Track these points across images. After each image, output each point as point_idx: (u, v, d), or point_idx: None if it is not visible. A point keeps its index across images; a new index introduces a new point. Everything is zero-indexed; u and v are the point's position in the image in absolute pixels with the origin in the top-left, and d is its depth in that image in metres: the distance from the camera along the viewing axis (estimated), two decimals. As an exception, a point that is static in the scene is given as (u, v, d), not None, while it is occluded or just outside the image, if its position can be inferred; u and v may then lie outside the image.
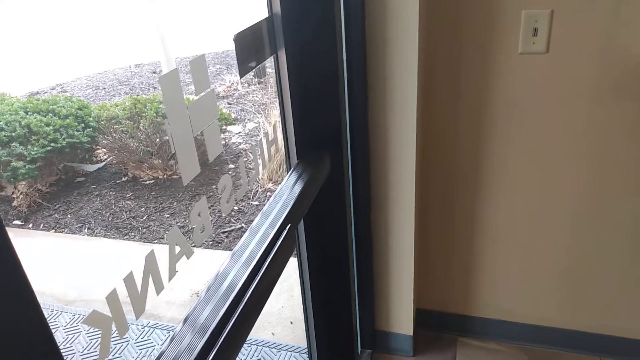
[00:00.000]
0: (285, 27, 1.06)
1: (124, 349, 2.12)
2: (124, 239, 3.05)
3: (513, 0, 1.30)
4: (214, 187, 3.66)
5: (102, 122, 3.66)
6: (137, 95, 4.61)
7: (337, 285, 1.47)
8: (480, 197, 1.60)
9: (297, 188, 1.07)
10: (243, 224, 3.20)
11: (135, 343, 2.13)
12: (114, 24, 10.12)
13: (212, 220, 3.26)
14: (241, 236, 3.21)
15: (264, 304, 0.82)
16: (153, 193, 3.53)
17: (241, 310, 0.74)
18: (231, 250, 2.99)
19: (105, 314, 0.59)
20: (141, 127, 3.52)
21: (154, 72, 6.71)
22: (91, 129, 3.74)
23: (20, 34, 9.66)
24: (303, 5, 1.07)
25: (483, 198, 1.60)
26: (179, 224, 3.19)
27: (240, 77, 0.94)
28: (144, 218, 3.25)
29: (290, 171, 1.15)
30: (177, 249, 0.75)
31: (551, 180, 1.51)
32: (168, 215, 3.27)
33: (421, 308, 1.87)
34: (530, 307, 1.74)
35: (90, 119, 3.75)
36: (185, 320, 0.72)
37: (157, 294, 0.69)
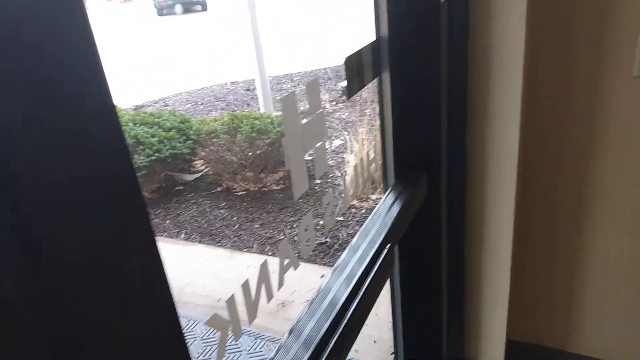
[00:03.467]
0: (391, 50, 1.09)
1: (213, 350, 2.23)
2: (217, 246, 3.22)
3: (628, 22, 1.23)
4: (300, 200, 3.76)
5: (202, 135, 3.90)
6: (233, 111, 4.88)
7: (427, 308, 1.45)
8: (584, 228, 1.50)
9: (396, 207, 1.08)
10: (327, 239, 3.25)
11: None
12: (213, 43, 10.80)
13: (297, 234, 3.34)
14: (326, 250, 3.25)
15: (365, 321, 0.83)
16: (244, 204, 3.69)
17: (344, 326, 0.75)
18: (316, 263, 3.04)
19: (224, 317, 0.64)
20: (236, 141, 3.72)
21: (248, 90, 7.06)
22: (191, 142, 4.00)
23: (127, 50, 10.61)
24: (409, 30, 1.09)
25: (588, 229, 1.50)
26: (267, 234, 3.30)
27: (348, 98, 0.98)
28: (236, 227, 3.41)
29: (389, 190, 1.17)
30: (286, 260, 0.79)
31: (670, 213, 1.39)
32: (258, 226, 3.40)
33: (514, 339, 1.78)
34: (636, 350, 1.60)
35: (191, 132, 4.03)
36: (291, 331, 0.75)
37: (268, 301, 0.73)
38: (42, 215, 0.29)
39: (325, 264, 2.97)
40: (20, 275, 0.29)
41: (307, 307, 0.81)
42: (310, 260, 3.03)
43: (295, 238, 3.21)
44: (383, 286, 0.92)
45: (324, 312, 0.78)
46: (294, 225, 3.42)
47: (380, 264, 0.89)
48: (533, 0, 1.24)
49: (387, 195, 1.14)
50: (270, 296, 0.74)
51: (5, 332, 0.29)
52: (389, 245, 0.95)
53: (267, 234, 3.31)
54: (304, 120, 0.81)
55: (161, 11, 17.92)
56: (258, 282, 0.71)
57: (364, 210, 3.47)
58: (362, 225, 1.03)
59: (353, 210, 3.51)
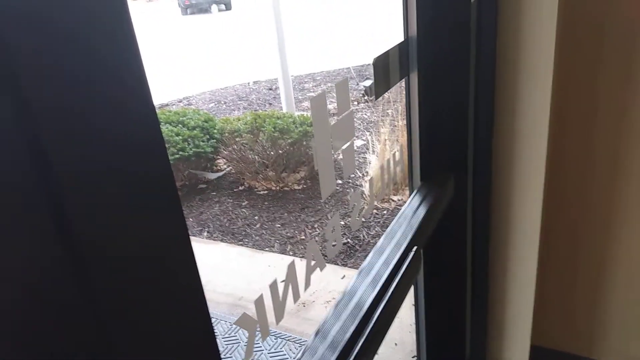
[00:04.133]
0: (420, 51, 1.08)
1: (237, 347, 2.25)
2: (238, 244, 3.24)
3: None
4: (321, 200, 3.76)
5: (225, 134, 3.94)
6: (255, 111, 4.91)
7: (450, 311, 1.43)
8: (612, 232, 1.47)
9: (422, 210, 1.07)
10: (349, 239, 3.24)
11: (244, 344, 2.25)
12: (237, 41, 10.89)
13: (318, 234, 3.34)
14: (347, 251, 3.24)
15: (390, 325, 0.83)
16: (266, 203, 3.71)
17: (370, 329, 0.75)
18: (337, 264, 3.04)
19: (253, 317, 0.64)
20: (259, 141, 3.74)
21: (270, 89, 7.09)
22: (215, 140, 4.04)
23: (151, 49, 10.76)
24: (439, 30, 1.07)
25: (614, 235, 1.46)
26: (288, 233, 3.31)
27: (376, 99, 0.97)
28: (257, 226, 3.43)
29: (414, 192, 1.16)
30: (313, 261, 0.79)
31: None
32: (279, 225, 3.41)
33: (538, 345, 1.75)
34: (671, 361, 1.55)
35: (215, 131, 4.06)
36: (317, 333, 0.75)
37: (295, 302, 0.73)
38: (85, 214, 0.29)
39: (345, 265, 2.96)
40: (65, 274, 0.29)
41: (332, 308, 0.81)
42: (331, 260, 3.03)
43: (317, 238, 3.21)
44: (409, 290, 0.92)
45: (350, 314, 0.78)
46: (315, 226, 3.42)
47: (407, 267, 0.88)
48: (564, 1, 1.21)
49: (413, 197, 1.13)
50: (297, 296, 0.74)
51: (50, 330, 0.29)
52: (415, 248, 0.94)
53: (288, 234, 3.32)
54: (332, 121, 0.81)
55: (185, 10, 18.14)
56: (285, 282, 0.71)
57: (386, 212, 3.45)
58: (383, 226, 1.02)
59: (374, 211, 3.49)
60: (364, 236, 3.22)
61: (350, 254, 3.07)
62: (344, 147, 0.85)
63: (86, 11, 0.27)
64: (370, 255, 0.93)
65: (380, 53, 0.96)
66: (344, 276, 2.79)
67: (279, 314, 0.70)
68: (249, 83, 7.61)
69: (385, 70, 1.00)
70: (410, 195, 1.19)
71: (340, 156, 0.87)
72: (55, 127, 0.27)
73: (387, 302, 0.80)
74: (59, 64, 0.26)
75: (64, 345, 0.30)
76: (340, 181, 3.97)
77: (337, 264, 2.97)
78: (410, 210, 1.08)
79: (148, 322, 0.36)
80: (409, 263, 0.90)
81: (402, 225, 1.02)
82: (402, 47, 1.06)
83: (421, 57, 1.09)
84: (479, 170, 1.36)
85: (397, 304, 0.85)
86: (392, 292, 0.82)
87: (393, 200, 3.58)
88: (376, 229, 3.26)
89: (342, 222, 3.43)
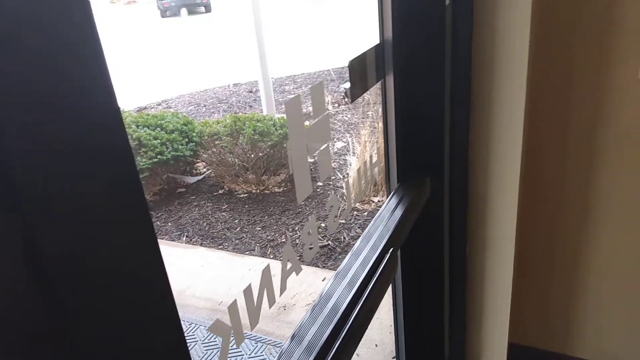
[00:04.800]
0: (395, 53, 1.08)
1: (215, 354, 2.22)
2: (218, 249, 3.21)
3: (634, 23, 1.23)
4: (302, 202, 3.75)
5: (205, 138, 3.90)
6: (235, 113, 4.88)
7: (429, 311, 1.44)
8: (586, 232, 1.50)
9: (399, 211, 1.07)
10: (329, 242, 3.24)
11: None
12: (217, 44, 10.82)
13: (299, 237, 3.33)
14: (327, 253, 3.24)
15: (368, 326, 0.83)
16: (246, 206, 3.69)
17: (346, 332, 0.75)
18: (317, 266, 3.03)
19: (226, 323, 0.63)
20: (239, 143, 3.71)
21: (251, 92, 7.06)
22: (194, 144, 4.00)
23: (130, 52, 10.63)
24: (414, 32, 1.08)
25: (588, 232, 1.49)
26: (269, 237, 3.30)
27: (352, 101, 0.97)
28: (237, 230, 3.40)
29: (392, 195, 1.16)
30: (288, 265, 0.78)
31: (675, 218, 1.38)
32: (259, 229, 3.39)
33: (515, 343, 1.77)
34: (636, 355, 1.59)
35: (194, 134, 4.02)
36: (293, 337, 0.74)
37: (270, 307, 0.73)
38: (46, 220, 0.28)
39: (326, 267, 2.96)
40: (25, 281, 0.28)
41: (309, 312, 0.80)
42: (312, 263, 3.02)
43: (298, 241, 3.20)
44: (386, 291, 0.92)
45: (326, 317, 0.78)
46: (296, 228, 3.41)
47: (383, 268, 0.88)
48: (537, 2, 1.23)
49: (390, 199, 1.13)
50: (272, 301, 0.73)
51: (11, 338, 0.28)
52: (391, 249, 0.94)
53: (269, 237, 3.30)
54: (308, 123, 0.80)
55: (164, 13, 17.96)
56: (260, 286, 0.71)
57: (366, 213, 3.46)
58: (363, 227, 1.02)
59: (355, 212, 3.50)
60: (344, 238, 3.23)
61: (331, 255, 3.07)
62: (320, 149, 0.85)
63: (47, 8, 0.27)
64: (347, 257, 0.93)
65: (356, 55, 0.96)
66: (325, 278, 2.79)
67: (254, 319, 0.69)
68: (229, 85, 7.56)
69: (362, 72, 1.00)
70: (387, 196, 1.19)
71: (317, 159, 0.87)
72: (15, 132, 0.26)
73: (363, 303, 0.80)
74: (11, 67, 0.25)
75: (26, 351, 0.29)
76: (320, 183, 3.97)
77: (318, 267, 2.96)
78: (387, 212, 1.08)
79: (117, 333, 0.35)
80: (385, 265, 0.90)
81: (379, 227, 1.02)
82: (377, 49, 1.07)
83: (397, 58, 1.10)
84: (455, 171, 1.37)
85: (374, 305, 0.85)
86: (368, 293, 0.82)
87: (373, 202, 3.60)
88: (356, 231, 3.27)
89: (323, 224, 3.43)
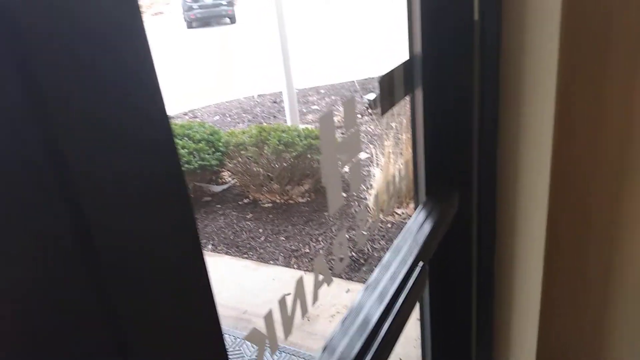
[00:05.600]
0: (425, 68, 1.10)
1: (239, 363, 2.24)
2: (243, 257, 3.24)
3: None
4: (326, 213, 3.77)
5: (231, 147, 3.96)
6: (260, 123, 4.94)
7: (456, 326, 1.43)
8: (618, 242, 1.47)
9: (428, 225, 1.08)
10: (353, 253, 3.24)
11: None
12: (241, 55, 10.99)
13: (322, 247, 3.35)
14: (351, 265, 3.25)
15: (398, 339, 0.83)
16: (270, 216, 3.72)
17: (378, 345, 0.76)
18: (341, 277, 3.03)
19: (262, 331, 0.65)
20: (264, 154, 3.76)
21: (275, 102, 7.14)
22: (220, 153, 4.07)
23: (157, 62, 10.84)
24: (443, 47, 1.09)
25: (622, 243, 1.47)
26: (292, 246, 3.32)
27: (382, 115, 0.99)
28: (262, 239, 3.44)
29: (420, 207, 1.17)
30: (320, 276, 0.80)
31: None
32: (283, 238, 3.42)
33: (544, 357, 1.74)
34: (678, 376, 1.54)
35: (220, 144, 4.09)
36: (325, 349, 0.76)
37: (302, 316, 0.74)
38: (101, 219, 0.30)
39: (350, 278, 2.96)
40: (80, 277, 0.30)
41: (339, 324, 0.81)
42: (336, 275, 3.03)
43: (321, 251, 3.21)
44: (415, 304, 0.92)
45: (357, 330, 0.79)
46: (319, 239, 3.42)
47: (414, 282, 0.89)
48: (566, 16, 1.23)
49: (419, 212, 1.14)
50: (305, 312, 0.74)
51: (63, 333, 0.30)
52: (421, 263, 0.95)
53: (293, 247, 3.32)
54: (338, 134, 0.82)
55: (191, 24, 18.33)
56: (294, 297, 0.72)
57: (389, 225, 3.46)
58: (387, 239, 1.03)
59: (378, 224, 3.50)
60: (368, 249, 3.22)
61: (355, 267, 3.07)
62: (350, 163, 0.86)
63: (104, 13, 0.29)
64: (377, 270, 0.94)
65: (386, 72, 0.98)
66: (348, 290, 2.79)
67: (287, 329, 0.71)
68: (253, 96, 7.66)
69: (391, 87, 1.02)
70: (415, 209, 1.20)
71: (348, 172, 0.89)
72: (71, 126, 0.28)
73: (394, 317, 0.81)
74: (77, 64, 0.28)
75: (77, 347, 0.31)
76: (344, 194, 3.98)
77: (342, 278, 2.97)
78: (415, 226, 1.09)
79: (161, 327, 0.37)
80: (416, 279, 0.90)
81: (407, 240, 1.03)
82: (407, 65, 1.08)
83: (426, 73, 1.11)
84: (483, 185, 1.37)
85: (404, 319, 0.86)
86: (399, 307, 0.83)
87: (397, 214, 3.59)
88: (380, 242, 3.27)
89: (347, 236, 3.43)
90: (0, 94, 0.25)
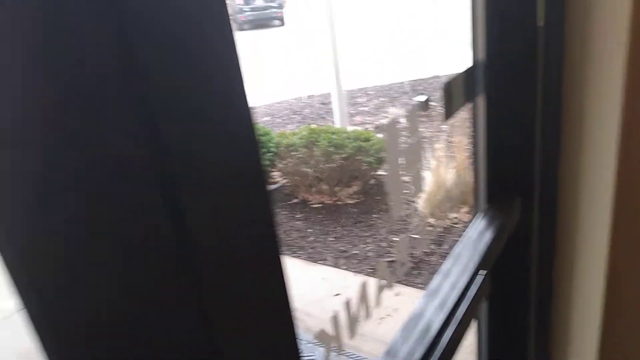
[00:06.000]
0: (488, 75, 1.09)
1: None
2: (292, 256, 3.29)
3: None
4: (374, 215, 3.76)
5: (281, 148, 4.03)
6: (308, 125, 4.99)
7: (513, 338, 1.41)
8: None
9: (489, 233, 1.07)
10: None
11: None
12: (291, 56, 11.12)
13: (372, 250, 3.34)
14: (400, 267, 3.21)
15: (458, 348, 0.83)
16: (319, 216, 3.76)
17: (440, 354, 0.76)
18: (390, 281, 3.02)
19: (328, 332, 0.67)
20: (314, 155, 3.80)
21: (323, 103, 7.19)
22: (271, 154, 4.14)
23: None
24: (507, 54, 1.08)
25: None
26: (341, 247, 3.34)
27: (446, 119, 0.99)
28: (311, 239, 3.48)
29: (481, 215, 1.16)
30: (383, 281, 0.81)
31: None
32: (332, 239, 3.45)
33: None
34: None
35: (271, 144, 4.17)
36: (387, 353, 0.77)
37: (367, 318, 0.76)
38: (196, 214, 0.32)
39: (399, 282, 2.95)
40: (176, 270, 0.32)
41: (400, 330, 0.82)
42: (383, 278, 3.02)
43: (370, 254, 3.21)
44: (476, 313, 0.92)
45: (418, 337, 0.80)
46: (368, 240, 3.42)
47: (476, 291, 0.89)
48: (636, 24, 1.18)
49: (480, 219, 1.13)
50: (368, 315, 0.76)
51: (159, 326, 0.33)
52: (485, 272, 0.94)
53: (341, 247, 3.34)
54: (403, 143, 0.83)
55: (241, 26, 18.71)
56: (360, 300, 0.74)
57: (440, 229, 3.41)
58: (437, 244, 1.03)
59: (429, 228, 3.46)
60: (418, 253, 3.20)
61: (405, 271, 3.06)
62: (414, 170, 0.87)
63: (197, 21, 0.31)
64: (438, 278, 0.94)
65: (450, 78, 0.98)
66: (398, 293, 2.78)
67: (352, 331, 0.72)
68: (303, 97, 7.74)
69: (455, 93, 1.02)
70: (474, 216, 1.19)
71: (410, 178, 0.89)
72: (175, 120, 0.30)
73: (456, 326, 0.81)
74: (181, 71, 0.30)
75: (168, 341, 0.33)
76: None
77: (391, 281, 2.95)
78: (475, 233, 1.08)
79: (245, 320, 0.38)
80: (479, 287, 0.90)
81: (468, 248, 1.02)
82: (469, 72, 1.08)
83: (488, 79, 1.10)
84: (545, 193, 1.34)
85: (465, 328, 0.86)
86: (462, 316, 0.83)
87: (448, 218, 3.54)
88: (430, 247, 3.23)
89: (396, 238, 3.42)
90: (110, 94, 0.27)
